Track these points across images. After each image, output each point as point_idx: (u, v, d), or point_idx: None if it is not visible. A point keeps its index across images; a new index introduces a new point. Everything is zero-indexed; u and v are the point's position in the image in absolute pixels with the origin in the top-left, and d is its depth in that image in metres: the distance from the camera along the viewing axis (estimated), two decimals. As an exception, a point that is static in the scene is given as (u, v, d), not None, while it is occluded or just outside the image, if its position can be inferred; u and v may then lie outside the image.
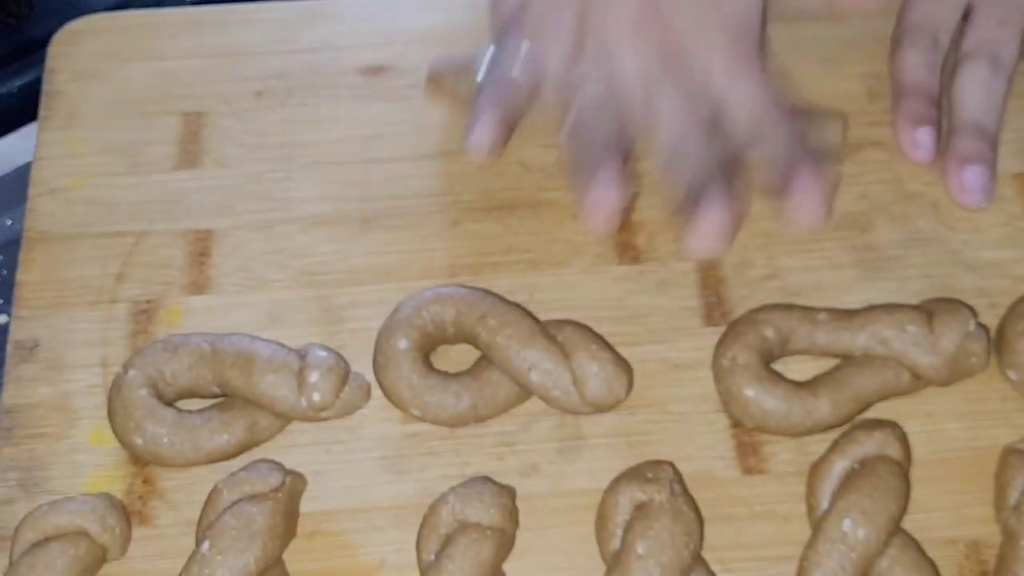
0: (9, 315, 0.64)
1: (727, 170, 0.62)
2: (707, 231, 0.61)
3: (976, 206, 0.65)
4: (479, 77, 0.66)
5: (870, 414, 0.60)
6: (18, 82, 0.79)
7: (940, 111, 0.67)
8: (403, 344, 0.59)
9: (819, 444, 0.58)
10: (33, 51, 0.76)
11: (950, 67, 0.68)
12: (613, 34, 0.64)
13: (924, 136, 0.66)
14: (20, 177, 0.70)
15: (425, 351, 0.60)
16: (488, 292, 0.61)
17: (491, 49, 0.66)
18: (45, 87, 0.71)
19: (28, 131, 0.70)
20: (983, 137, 0.65)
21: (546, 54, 0.65)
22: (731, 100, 0.64)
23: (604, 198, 0.62)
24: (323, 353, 0.59)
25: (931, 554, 0.56)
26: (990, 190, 0.65)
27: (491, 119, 0.64)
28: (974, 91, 0.66)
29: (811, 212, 0.62)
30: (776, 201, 0.62)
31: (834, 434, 0.58)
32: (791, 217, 0.62)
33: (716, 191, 0.61)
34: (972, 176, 0.65)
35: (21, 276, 0.64)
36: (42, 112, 0.70)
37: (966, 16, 0.68)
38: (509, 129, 0.65)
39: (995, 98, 0.66)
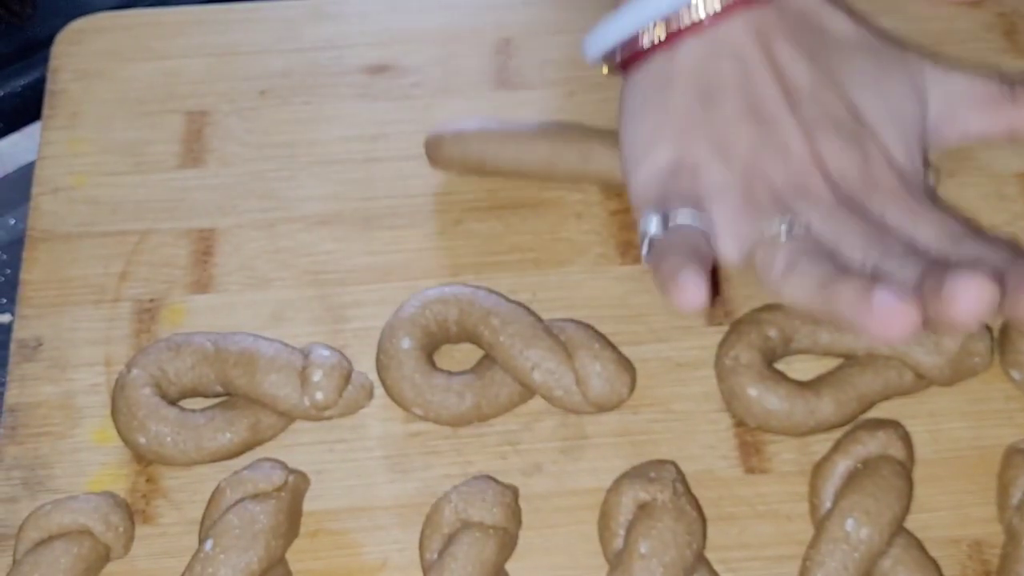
0: (12, 314, 0.64)
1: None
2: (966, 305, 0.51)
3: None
4: (646, 232, 0.58)
5: (873, 414, 0.60)
6: (21, 81, 0.79)
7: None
8: (406, 343, 0.59)
9: (822, 444, 0.58)
10: (36, 51, 0.77)
11: None
12: (784, 187, 0.59)
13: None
14: (23, 176, 0.70)
15: (428, 350, 0.60)
16: (491, 291, 0.61)
17: (649, 215, 0.59)
18: (48, 86, 0.71)
19: (31, 130, 0.71)
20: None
21: (716, 213, 0.59)
22: (917, 235, 0.58)
23: (894, 311, 0.52)
24: (326, 352, 0.59)
25: (934, 554, 0.56)
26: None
27: (693, 274, 0.54)
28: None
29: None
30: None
31: (837, 434, 0.58)
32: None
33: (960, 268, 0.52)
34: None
35: (24, 275, 0.64)
36: (45, 111, 0.70)
37: None
38: (708, 276, 0.55)
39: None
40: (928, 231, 0.58)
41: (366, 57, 0.72)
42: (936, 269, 0.53)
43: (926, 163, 0.63)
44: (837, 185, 0.59)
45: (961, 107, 0.63)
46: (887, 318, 0.52)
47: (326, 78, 0.71)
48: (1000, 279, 0.52)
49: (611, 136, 0.64)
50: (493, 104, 0.70)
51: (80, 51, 0.72)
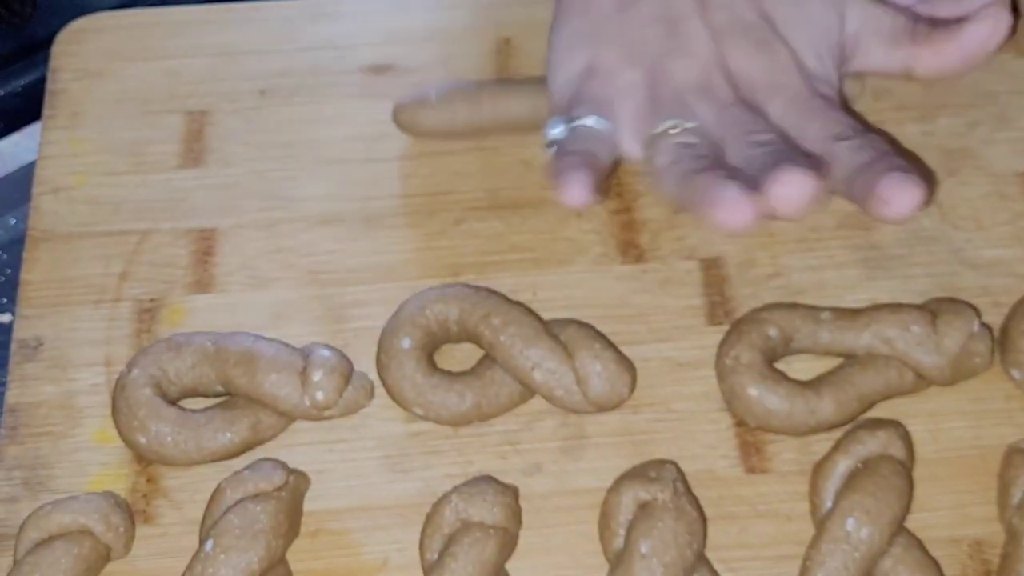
0: (13, 314, 0.64)
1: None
2: (790, 192, 0.56)
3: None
4: (549, 146, 0.62)
5: (873, 413, 0.59)
6: (22, 81, 0.79)
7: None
8: (406, 343, 0.59)
9: (822, 443, 0.58)
10: (37, 50, 0.77)
11: None
12: (686, 87, 0.62)
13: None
14: (24, 176, 0.70)
15: (428, 350, 0.60)
16: (491, 291, 0.61)
17: (557, 120, 0.62)
18: (49, 86, 0.71)
19: (32, 130, 0.71)
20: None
21: (621, 114, 0.62)
22: (809, 127, 0.60)
23: (735, 200, 0.56)
24: (326, 352, 0.59)
25: (934, 553, 0.56)
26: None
27: (580, 174, 0.59)
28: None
29: (906, 199, 0.56)
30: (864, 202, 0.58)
31: (837, 433, 0.58)
32: (876, 213, 0.57)
33: (792, 159, 0.57)
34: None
35: (25, 275, 0.64)
36: (46, 111, 0.70)
37: None
38: (598, 179, 0.60)
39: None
40: (815, 127, 0.60)
41: (367, 57, 0.72)
42: (782, 158, 0.57)
43: (841, 75, 0.64)
44: (738, 87, 0.62)
45: (868, 35, 0.65)
46: (728, 209, 0.56)
47: (327, 78, 0.71)
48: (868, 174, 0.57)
49: None
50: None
51: (81, 51, 0.72)
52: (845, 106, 0.64)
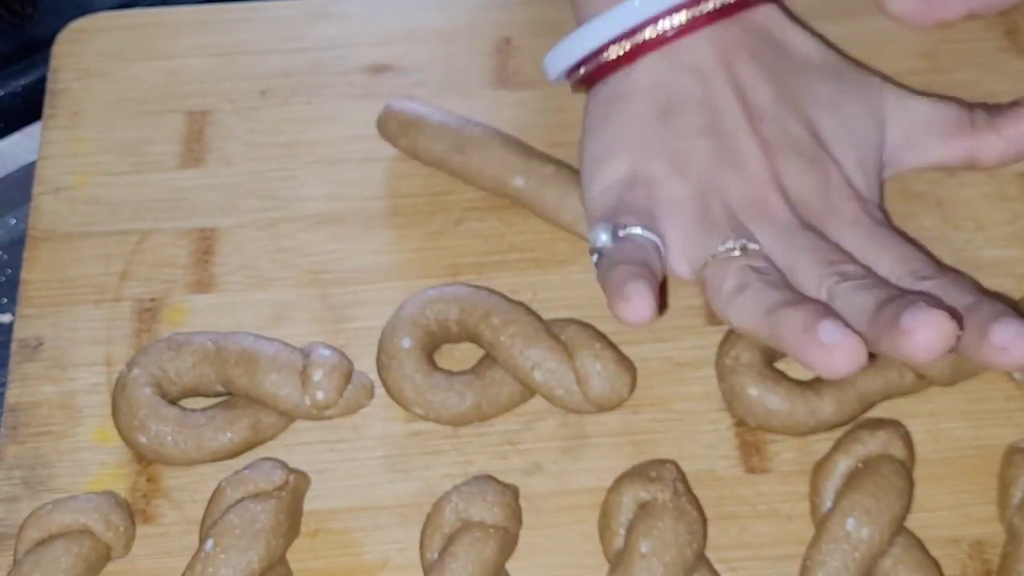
0: (14, 314, 0.64)
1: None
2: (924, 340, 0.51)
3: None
4: (598, 244, 0.59)
5: (873, 413, 0.60)
6: (22, 81, 0.79)
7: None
8: (406, 343, 0.59)
9: (822, 443, 0.58)
10: (37, 50, 0.76)
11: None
12: (740, 205, 0.58)
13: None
14: (24, 176, 0.70)
15: (429, 350, 0.60)
16: (491, 291, 0.61)
17: (602, 228, 0.59)
18: (49, 85, 0.71)
19: (32, 130, 0.71)
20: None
21: (669, 228, 0.59)
22: (881, 260, 0.57)
23: (838, 345, 0.52)
24: (326, 352, 0.59)
25: (934, 553, 0.56)
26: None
27: (641, 286, 0.54)
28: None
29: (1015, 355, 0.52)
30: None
31: (837, 433, 0.58)
32: (995, 363, 0.53)
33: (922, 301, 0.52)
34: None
35: (25, 275, 0.64)
36: (46, 111, 0.70)
37: None
38: (656, 291, 0.55)
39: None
40: (887, 260, 0.57)
41: (367, 57, 0.72)
42: (893, 300, 0.53)
43: (881, 191, 0.63)
44: (795, 207, 0.59)
45: (920, 133, 0.63)
46: (831, 352, 0.51)
47: (327, 78, 0.71)
48: (958, 316, 0.52)
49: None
50: (494, 103, 0.70)
51: (81, 51, 0.72)
52: (892, 228, 0.60)
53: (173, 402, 0.59)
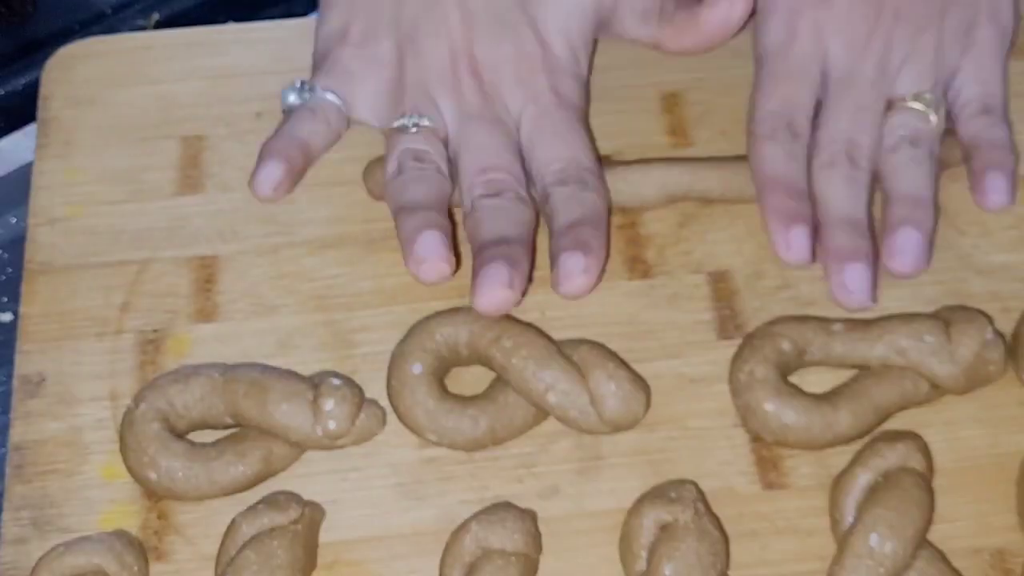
0: (14, 313, 0.63)
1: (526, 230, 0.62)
2: (491, 298, 0.59)
3: (860, 307, 0.61)
4: (287, 101, 0.66)
5: (888, 425, 0.59)
6: (22, 81, 0.78)
7: (810, 204, 0.63)
8: (417, 369, 0.59)
9: (839, 457, 0.58)
10: (37, 50, 0.75)
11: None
12: (431, 77, 0.64)
13: (798, 236, 0.61)
14: (24, 175, 0.69)
15: (439, 375, 0.59)
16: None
17: (296, 86, 0.67)
18: (40, 114, 0.70)
19: (31, 129, 0.69)
20: (856, 231, 0.62)
21: (362, 92, 0.65)
22: (541, 151, 0.63)
23: (432, 251, 0.60)
24: (337, 381, 0.58)
25: (956, 564, 0.55)
26: (873, 289, 0.61)
27: (276, 167, 0.64)
28: (837, 187, 0.63)
29: (574, 276, 0.60)
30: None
31: (854, 447, 0.58)
32: (556, 281, 0.60)
33: (502, 255, 0.59)
34: (853, 276, 0.60)
35: (24, 309, 0.63)
36: (38, 140, 0.69)
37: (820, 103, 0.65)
38: (300, 174, 0.66)
39: (860, 189, 0.63)
40: (541, 155, 0.63)
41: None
42: (494, 246, 0.60)
43: (589, 61, 0.67)
44: (483, 79, 0.64)
45: (624, 7, 0.68)
46: (420, 264, 0.60)
47: (322, 98, 0.70)
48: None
49: None
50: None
51: (71, 77, 0.71)
52: (584, 119, 0.66)
53: (181, 436, 0.58)
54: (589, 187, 0.62)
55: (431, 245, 0.59)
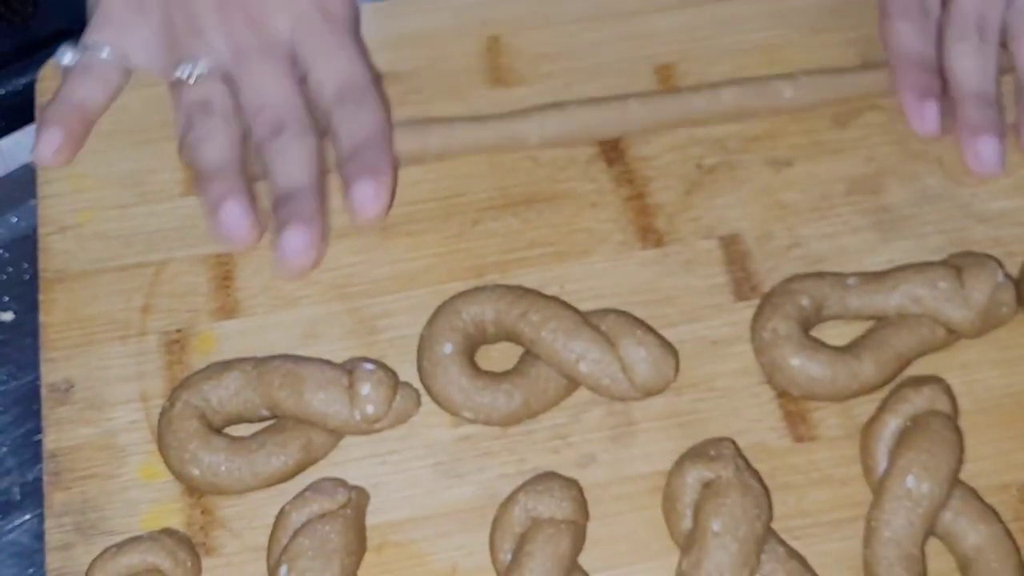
0: (14, 312, 0.62)
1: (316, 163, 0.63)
2: (291, 246, 0.61)
3: (992, 176, 0.66)
4: (63, 63, 0.67)
5: (907, 372, 0.61)
6: (22, 80, 0.77)
7: (941, 79, 0.67)
8: (448, 348, 0.59)
9: (864, 406, 0.60)
10: (37, 49, 0.74)
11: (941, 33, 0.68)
12: (201, 12, 0.65)
13: (931, 110, 0.66)
14: (25, 175, 0.68)
15: (469, 354, 0.60)
16: (525, 288, 0.61)
17: (71, 45, 0.67)
18: (38, 124, 0.69)
19: (31, 129, 0.69)
20: (989, 105, 0.66)
21: (134, 48, 0.66)
22: (316, 72, 0.64)
23: (236, 225, 0.62)
24: (370, 366, 0.59)
25: (987, 501, 0.57)
26: (1003, 159, 0.66)
27: (56, 134, 0.65)
28: (969, 61, 0.67)
29: (366, 203, 0.62)
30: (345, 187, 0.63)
31: (877, 396, 0.59)
32: (351, 208, 0.62)
33: (299, 204, 0.61)
34: (986, 147, 0.65)
35: (44, 318, 0.63)
36: (39, 149, 0.68)
37: None
38: (81, 138, 0.66)
39: (990, 63, 0.67)
40: (321, 70, 0.64)
41: (358, 66, 0.71)
42: (288, 197, 0.62)
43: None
44: (248, 8, 0.64)
45: None
46: (229, 232, 0.62)
47: (320, 91, 0.70)
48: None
49: None
50: (491, 103, 0.69)
51: (65, 85, 0.70)
52: (355, 31, 0.67)
53: (218, 431, 0.58)
54: (367, 105, 0.64)
55: (234, 218, 0.61)
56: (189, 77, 0.64)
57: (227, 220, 0.61)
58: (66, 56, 0.65)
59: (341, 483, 0.56)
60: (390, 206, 0.63)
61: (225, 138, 0.63)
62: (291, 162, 0.62)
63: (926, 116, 0.66)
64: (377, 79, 0.66)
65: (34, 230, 0.66)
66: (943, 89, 0.67)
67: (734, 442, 0.57)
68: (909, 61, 0.67)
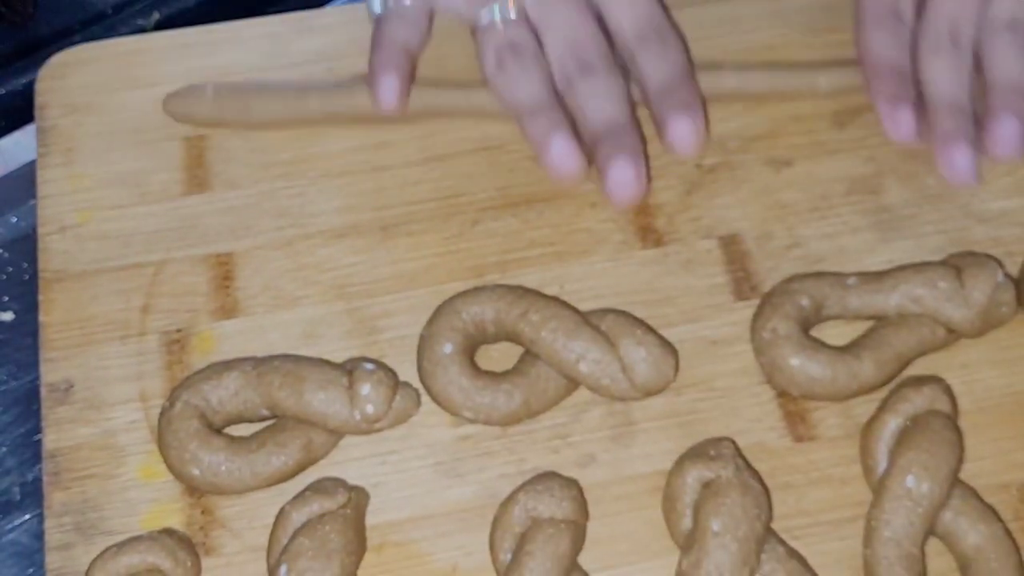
0: (14, 312, 0.62)
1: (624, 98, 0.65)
2: (621, 179, 0.63)
3: (967, 185, 0.65)
4: (374, 10, 0.68)
5: (907, 372, 0.61)
6: (22, 80, 0.77)
7: (915, 87, 0.67)
8: (448, 348, 0.59)
9: (863, 407, 0.60)
10: (38, 49, 0.75)
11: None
12: None
13: (905, 116, 0.66)
14: (25, 175, 0.69)
15: (469, 354, 0.60)
16: (525, 288, 0.61)
17: None
18: (38, 123, 0.69)
19: (32, 129, 0.69)
20: (962, 114, 0.65)
21: None
22: (613, 11, 0.66)
23: (566, 157, 0.64)
24: (370, 366, 0.59)
25: (986, 500, 0.57)
26: (977, 168, 0.65)
27: (393, 78, 0.66)
28: (941, 72, 0.66)
29: (687, 138, 0.64)
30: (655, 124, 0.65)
31: (876, 396, 0.59)
32: (670, 144, 0.64)
33: (621, 138, 0.63)
34: (960, 156, 0.64)
35: (43, 318, 0.63)
36: (39, 149, 0.68)
37: None
38: (410, 80, 0.67)
39: (963, 73, 0.66)
40: (621, 15, 0.65)
41: (357, 66, 0.71)
42: (609, 131, 0.64)
43: None
44: None
45: None
46: (559, 166, 0.64)
47: (320, 91, 0.70)
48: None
49: None
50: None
51: (65, 85, 0.70)
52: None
53: (218, 431, 0.58)
54: (669, 42, 0.65)
55: (564, 150, 0.63)
56: (498, 21, 0.65)
57: (557, 153, 0.63)
58: (376, 3, 0.67)
59: (341, 483, 0.56)
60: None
61: (539, 76, 0.65)
62: (605, 99, 0.64)
63: (901, 122, 0.66)
64: (669, 16, 0.67)
65: (34, 230, 0.66)
66: (919, 96, 0.66)
67: (734, 442, 0.57)
68: (883, 69, 0.67)
